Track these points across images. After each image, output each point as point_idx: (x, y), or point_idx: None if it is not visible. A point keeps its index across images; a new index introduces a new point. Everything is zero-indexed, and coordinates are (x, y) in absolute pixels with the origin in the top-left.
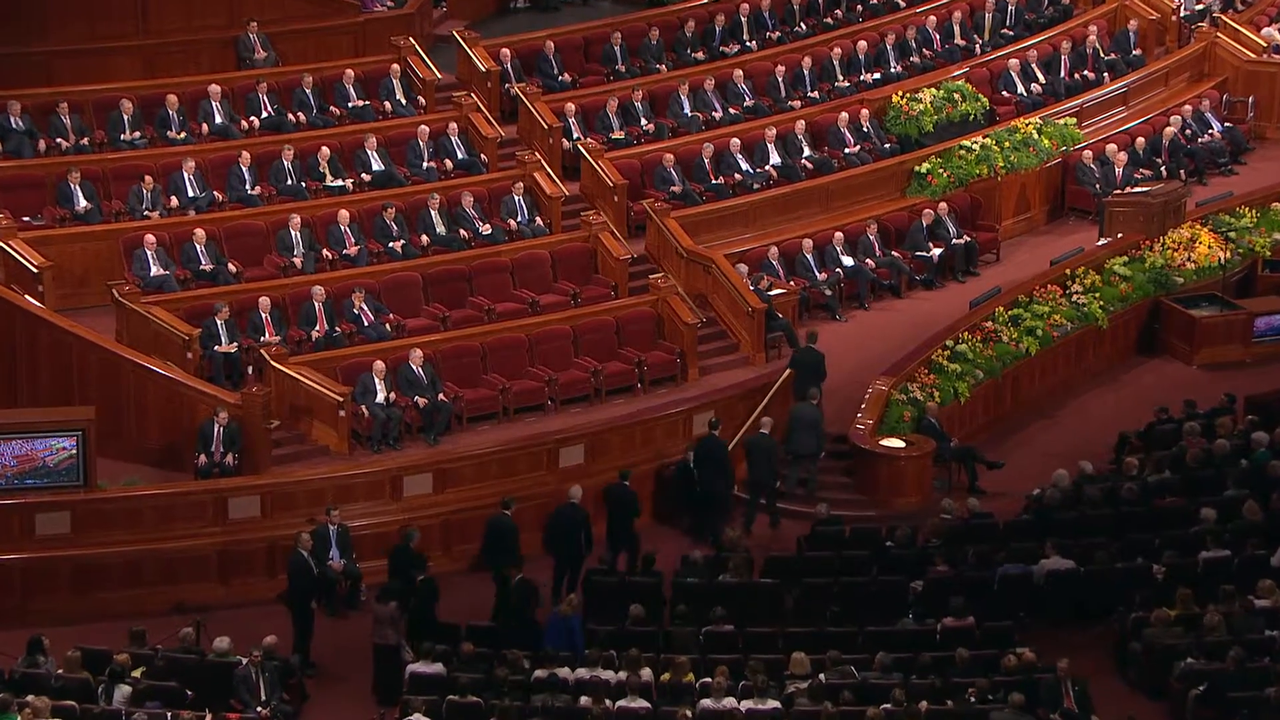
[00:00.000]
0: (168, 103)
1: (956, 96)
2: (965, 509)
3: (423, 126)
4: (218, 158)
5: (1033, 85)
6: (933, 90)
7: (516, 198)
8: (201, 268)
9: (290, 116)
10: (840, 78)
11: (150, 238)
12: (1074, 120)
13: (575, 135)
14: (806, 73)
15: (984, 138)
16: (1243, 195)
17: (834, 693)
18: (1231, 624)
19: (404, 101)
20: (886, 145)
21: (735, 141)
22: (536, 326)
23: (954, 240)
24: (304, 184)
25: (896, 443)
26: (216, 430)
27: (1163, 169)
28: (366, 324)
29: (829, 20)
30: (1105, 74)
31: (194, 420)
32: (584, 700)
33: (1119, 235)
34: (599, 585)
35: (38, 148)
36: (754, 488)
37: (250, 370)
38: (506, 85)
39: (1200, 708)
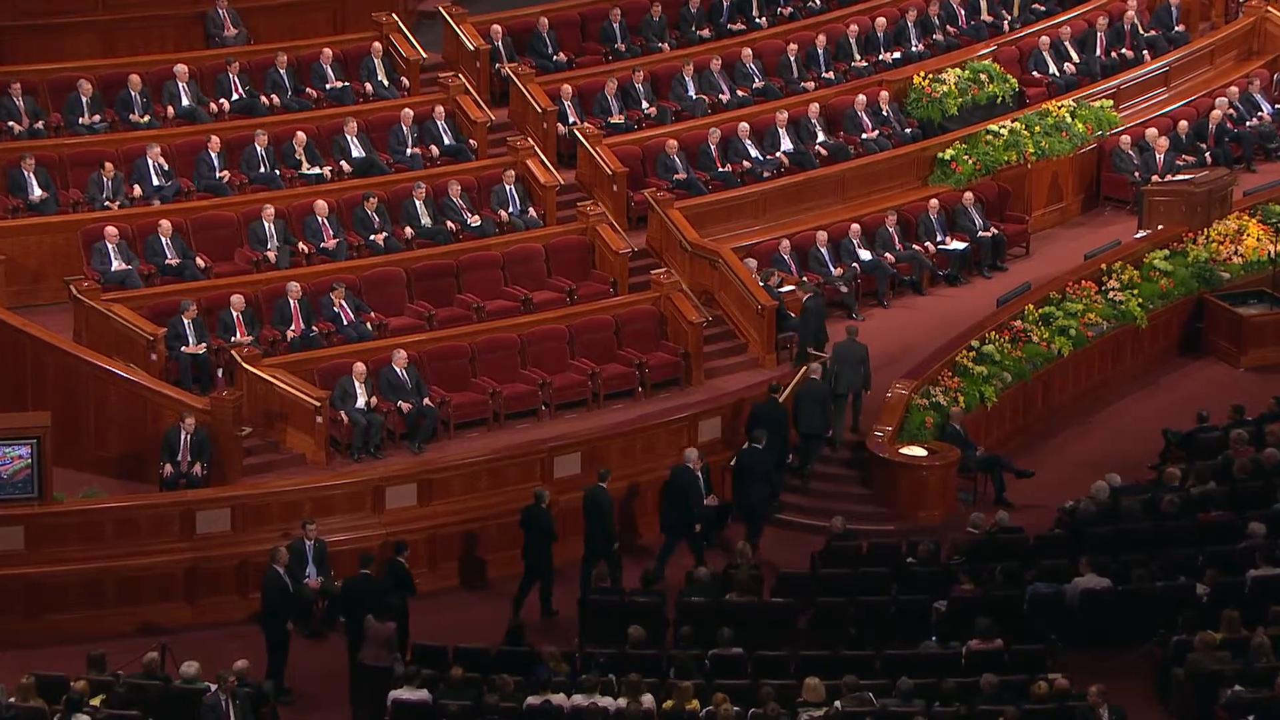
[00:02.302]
0: (130, 83)
1: (983, 77)
2: (992, 522)
3: (406, 110)
4: (184, 143)
5: (1066, 65)
6: (957, 70)
7: (508, 187)
8: (167, 262)
9: (263, 99)
10: (857, 57)
11: (111, 230)
12: (1110, 103)
13: (571, 119)
14: (821, 51)
15: (1013, 122)
16: None
17: None
18: None
19: (386, 83)
20: (907, 130)
21: (744, 126)
22: (529, 326)
23: (980, 233)
24: (278, 172)
25: (918, 451)
26: (183, 438)
27: (1207, 155)
28: (346, 323)
29: None
30: (1145, 52)
31: (159, 427)
32: None
33: (1159, 227)
34: (597, 605)
35: None
36: (804, 441)
37: (220, 373)
38: (497, 65)
39: None
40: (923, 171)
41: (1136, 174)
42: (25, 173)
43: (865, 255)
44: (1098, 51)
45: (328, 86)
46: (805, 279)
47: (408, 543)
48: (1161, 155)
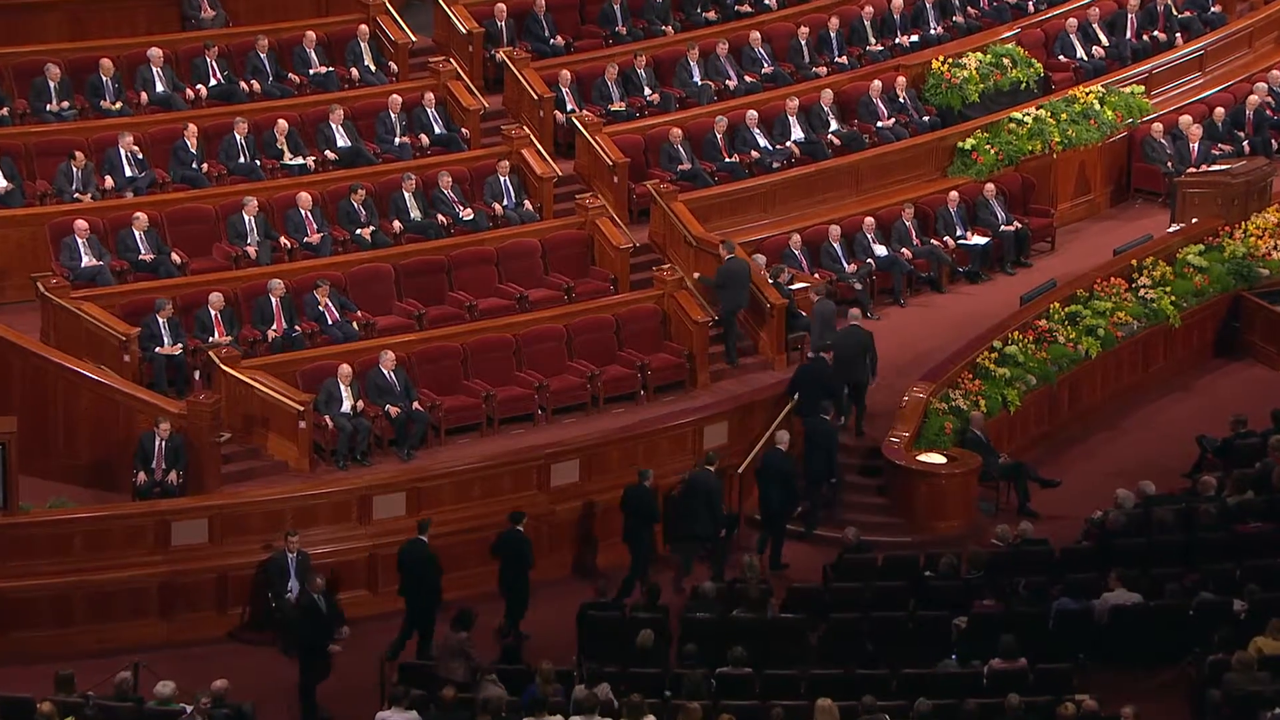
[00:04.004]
0: (101, 68)
1: (1006, 61)
2: (1016, 534)
3: (395, 97)
4: (159, 132)
5: (1094, 48)
6: (979, 54)
7: (502, 178)
8: (141, 258)
9: (243, 85)
10: (872, 40)
11: (81, 223)
12: (1142, 88)
13: (569, 107)
14: (834, 35)
15: (1038, 109)
16: None
17: None
18: None
19: (373, 68)
20: (925, 118)
21: (752, 114)
22: (525, 325)
23: (1003, 227)
24: (259, 162)
25: (936, 458)
26: (158, 444)
27: (1245, 144)
28: (330, 322)
29: None
30: (1178, 35)
31: (132, 433)
32: None
33: (1193, 220)
34: (596, 620)
35: None
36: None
37: (197, 375)
38: (491, 49)
39: None
40: (942, 162)
41: (1169, 164)
42: None
43: (881, 250)
44: (1128, 34)
45: (311, 72)
46: (726, 240)
47: (526, 512)
48: (1196, 144)
